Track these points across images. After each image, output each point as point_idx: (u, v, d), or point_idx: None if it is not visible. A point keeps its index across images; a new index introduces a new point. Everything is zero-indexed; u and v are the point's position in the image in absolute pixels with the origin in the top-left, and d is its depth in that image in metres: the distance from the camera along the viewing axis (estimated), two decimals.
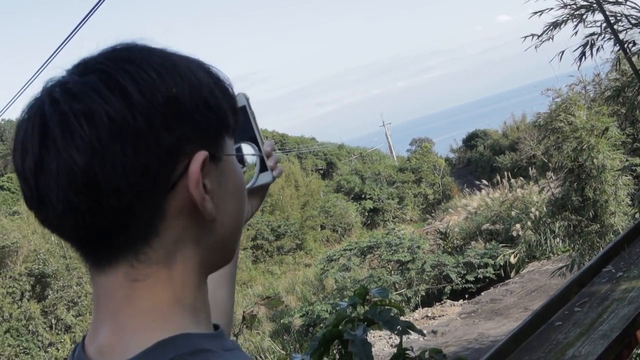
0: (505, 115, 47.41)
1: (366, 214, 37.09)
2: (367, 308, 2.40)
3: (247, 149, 0.98)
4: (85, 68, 0.71)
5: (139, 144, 0.68)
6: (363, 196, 37.43)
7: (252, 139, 1.04)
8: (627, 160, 11.36)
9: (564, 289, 2.78)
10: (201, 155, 0.73)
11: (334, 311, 2.62)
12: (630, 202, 11.17)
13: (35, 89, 0.74)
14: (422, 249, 19.80)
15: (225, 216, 0.79)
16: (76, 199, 0.68)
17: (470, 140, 48.43)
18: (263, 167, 1.06)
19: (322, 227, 34.81)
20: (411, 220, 37.41)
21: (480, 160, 42.81)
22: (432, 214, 33.65)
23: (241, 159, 0.97)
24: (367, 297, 2.45)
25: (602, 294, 2.62)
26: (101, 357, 0.73)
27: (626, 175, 11.20)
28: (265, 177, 1.06)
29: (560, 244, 17.51)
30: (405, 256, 19.09)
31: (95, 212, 0.68)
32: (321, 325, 17.91)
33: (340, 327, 2.34)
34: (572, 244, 11.75)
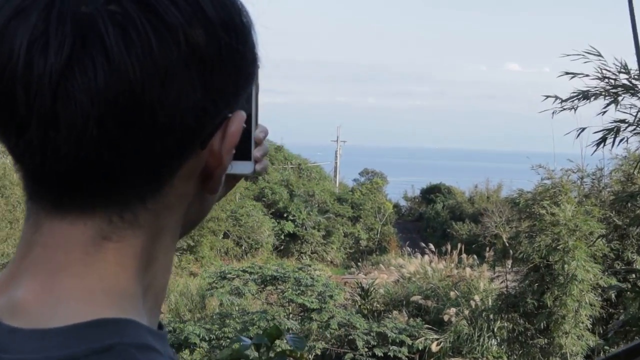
0: (479, 178, 48.47)
1: (283, 237, 37.13)
2: (272, 355, 2.39)
3: None
4: None
5: (207, 81, 0.69)
6: (286, 215, 37.49)
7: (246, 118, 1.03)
8: (601, 277, 11.72)
9: None
10: (242, 116, 0.76)
11: (231, 345, 2.61)
12: (589, 327, 11.52)
13: None
14: (335, 301, 19.91)
15: (219, 192, 0.83)
16: (112, 123, 0.65)
17: (430, 194, 49.27)
18: (246, 155, 1.05)
19: (226, 236, 34.66)
20: (332, 262, 37.61)
21: (435, 220, 43.51)
22: (359, 264, 33.89)
23: None
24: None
25: None
26: (11, 316, 0.70)
27: (595, 295, 11.55)
28: (245, 167, 1.05)
29: (495, 347, 17.88)
30: (312, 302, 19.15)
31: (123, 145, 0.66)
32: (186, 350, 17.75)
33: None
34: (509, 352, 12.04)
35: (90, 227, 0.70)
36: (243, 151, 1.05)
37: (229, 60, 0.71)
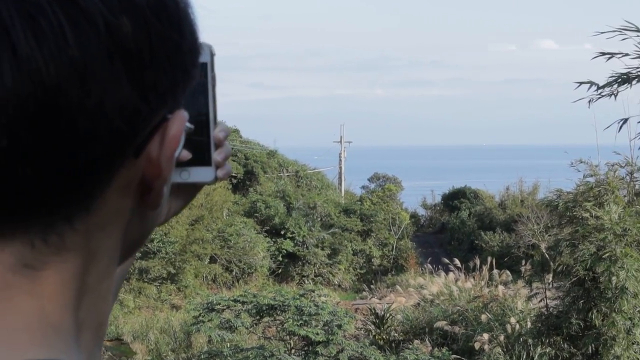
0: (510, 179, 48.50)
1: (280, 258, 37.10)
2: None
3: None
4: None
5: (136, 77, 0.68)
6: (283, 232, 37.48)
7: (200, 116, 1.05)
8: None
9: None
10: (183, 117, 0.76)
11: None
12: None
13: None
14: (344, 331, 19.88)
15: (162, 208, 0.83)
16: (24, 132, 0.64)
17: (453, 199, 49.31)
18: (205, 159, 1.07)
19: (213, 260, 34.66)
20: (340, 286, 37.59)
21: (460, 230, 43.52)
22: (372, 286, 33.92)
23: None
24: None
25: None
26: None
27: None
28: (205, 174, 1.07)
29: None
30: (317, 334, 19.11)
31: (40, 157, 0.66)
32: None
33: None
34: None
35: (9, 254, 0.69)
36: (201, 155, 1.07)
37: (161, 51, 0.71)
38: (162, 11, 0.71)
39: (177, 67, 0.73)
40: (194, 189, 1.12)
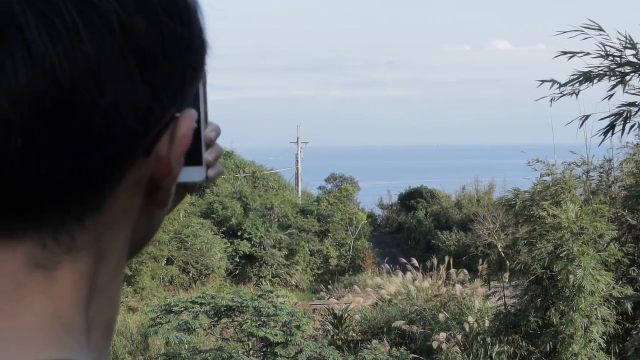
0: (466, 179, 48.85)
1: (237, 260, 37.03)
2: None
3: None
4: None
5: (149, 75, 0.69)
6: (240, 234, 37.42)
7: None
8: (614, 287, 11.86)
9: None
10: (192, 116, 0.76)
11: None
12: (603, 346, 11.63)
13: None
14: (303, 332, 19.89)
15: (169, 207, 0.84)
16: (38, 130, 0.64)
17: (410, 199, 49.54)
18: (196, 159, 1.05)
19: (170, 262, 34.50)
20: (297, 286, 37.61)
21: (417, 230, 43.74)
22: (330, 287, 33.98)
23: None
24: None
25: None
26: None
27: (609, 308, 11.66)
28: (196, 174, 1.05)
29: None
30: (276, 335, 19.11)
31: (54, 156, 0.65)
32: None
33: None
34: None
35: (21, 253, 0.69)
36: (192, 155, 1.05)
37: (173, 50, 0.71)
38: (174, 9, 0.71)
39: (188, 65, 0.74)
40: (184, 189, 1.12)
